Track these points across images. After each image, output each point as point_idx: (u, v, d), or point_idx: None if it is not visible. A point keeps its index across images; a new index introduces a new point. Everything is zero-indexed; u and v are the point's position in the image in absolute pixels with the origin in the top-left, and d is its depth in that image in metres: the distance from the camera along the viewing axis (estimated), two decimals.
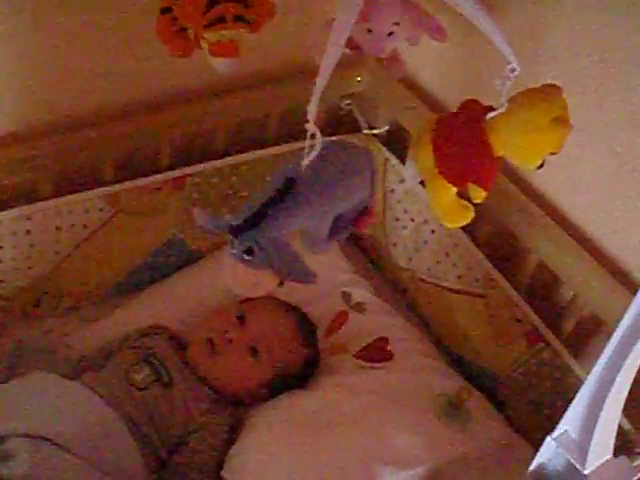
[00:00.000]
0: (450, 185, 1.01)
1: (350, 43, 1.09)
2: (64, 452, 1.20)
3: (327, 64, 0.90)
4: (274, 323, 1.47)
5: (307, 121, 0.91)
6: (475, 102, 1.05)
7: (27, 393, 1.30)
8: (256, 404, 1.43)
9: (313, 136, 0.92)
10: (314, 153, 0.93)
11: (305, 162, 0.95)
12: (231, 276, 1.00)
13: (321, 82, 0.91)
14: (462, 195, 1.06)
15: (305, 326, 1.51)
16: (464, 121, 1.01)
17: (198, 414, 1.36)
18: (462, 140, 1.00)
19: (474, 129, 0.99)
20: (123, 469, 1.26)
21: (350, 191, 1.07)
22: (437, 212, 1.04)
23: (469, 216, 1.03)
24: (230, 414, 1.41)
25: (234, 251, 0.98)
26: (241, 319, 1.44)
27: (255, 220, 0.97)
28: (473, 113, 1.02)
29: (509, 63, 0.94)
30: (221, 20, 1.02)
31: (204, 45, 1.06)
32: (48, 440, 1.20)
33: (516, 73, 0.94)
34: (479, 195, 1.02)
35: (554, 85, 0.99)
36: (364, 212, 1.12)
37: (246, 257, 0.97)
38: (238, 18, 1.03)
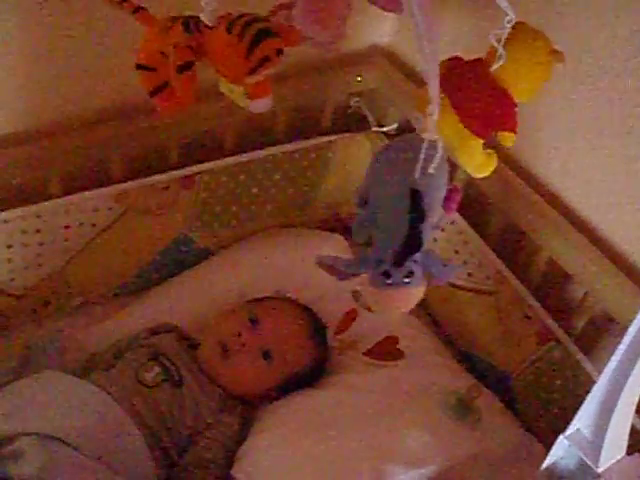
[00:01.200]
0: (478, 139, 1.02)
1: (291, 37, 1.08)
2: (74, 451, 1.20)
3: (433, 68, 0.87)
4: (287, 325, 1.47)
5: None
6: (460, 58, 1.06)
7: (37, 391, 1.30)
8: (266, 403, 1.43)
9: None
10: (437, 162, 0.92)
11: (431, 171, 0.93)
12: (388, 304, 0.99)
13: (435, 88, 0.88)
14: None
15: (317, 327, 1.51)
16: (470, 75, 1.03)
17: (208, 413, 1.36)
18: (480, 92, 1.01)
19: (485, 80, 1.01)
20: (133, 468, 1.26)
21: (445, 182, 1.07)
22: (470, 168, 1.06)
23: (496, 161, 1.06)
24: (240, 413, 1.40)
25: (390, 281, 0.96)
26: (253, 321, 1.44)
27: (415, 244, 0.96)
28: (473, 67, 1.03)
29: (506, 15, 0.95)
30: (265, 59, 0.98)
31: (235, 91, 1.03)
32: (58, 439, 1.20)
33: (512, 23, 0.95)
34: (510, 139, 1.03)
35: (523, 22, 1.01)
36: (451, 195, 1.11)
37: (406, 281, 0.96)
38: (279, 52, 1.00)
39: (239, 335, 1.41)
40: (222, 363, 1.40)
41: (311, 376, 1.48)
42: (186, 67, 1.02)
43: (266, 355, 1.41)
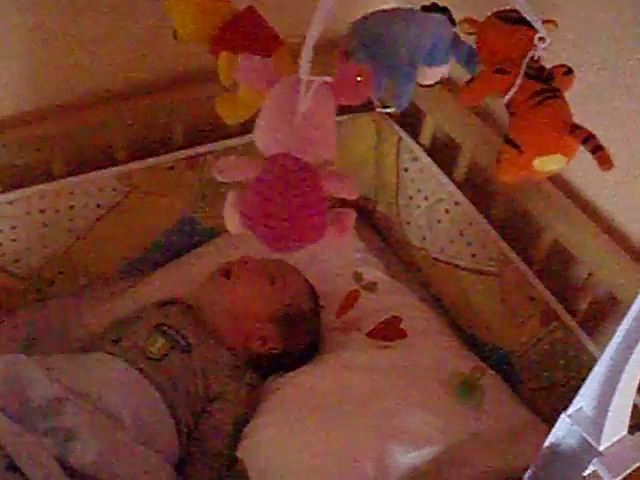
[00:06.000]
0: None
1: None
2: (123, 434, 1.21)
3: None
4: (288, 266, 1.53)
5: None
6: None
7: (79, 366, 1.32)
8: (270, 372, 1.45)
9: None
10: None
11: None
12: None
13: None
14: None
15: (313, 289, 1.56)
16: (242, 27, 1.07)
17: (216, 380, 1.37)
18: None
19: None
20: (164, 443, 1.28)
21: None
22: None
23: None
24: (249, 382, 1.42)
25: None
26: (259, 260, 1.50)
27: None
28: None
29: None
30: None
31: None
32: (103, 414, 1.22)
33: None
34: None
35: None
36: None
37: None
38: None
39: (245, 262, 1.48)
40: (225, 288, 1.46)
41: (308, 338, 1.51)
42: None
43: (270, 279, 1.46)
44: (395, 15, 1.13)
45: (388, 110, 1.70)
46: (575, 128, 0.94)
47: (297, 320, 1.48)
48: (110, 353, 1.34)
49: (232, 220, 0.91)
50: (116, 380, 1.29)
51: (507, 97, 0.96)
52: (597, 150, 0.94)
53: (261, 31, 1.06)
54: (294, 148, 0.86)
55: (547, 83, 0.97)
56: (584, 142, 0.94)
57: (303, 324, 1.49)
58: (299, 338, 1.49)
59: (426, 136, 1.68)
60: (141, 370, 1.31)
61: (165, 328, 1.40)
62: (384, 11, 1.17)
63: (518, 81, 0.95)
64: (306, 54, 0.81)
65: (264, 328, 1.45)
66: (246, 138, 1.62)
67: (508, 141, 0.97)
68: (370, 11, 1.16)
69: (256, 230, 0.89)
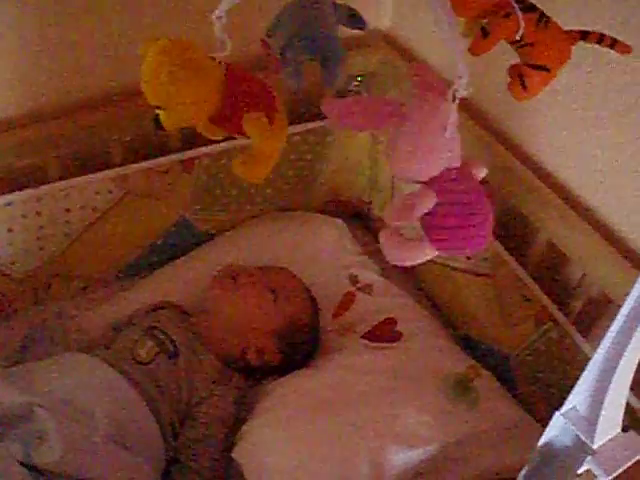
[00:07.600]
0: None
1: None
2: (94, 434, 1.21)
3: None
4: (292, 279, 1.54)
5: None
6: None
7: (53, 370, 1.31)
8: (264, 380, 1.45)
9: None
10: None
11: None
12: None
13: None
14: None
15: (313, 296, 1.56)
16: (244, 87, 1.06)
17: (201, 385, 1.37)
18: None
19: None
20: (143, 443, 1.27)
21: None
22: None
23: None
24: (235, 385, 1.42)
25: None
26: (263, 269, 1.52)
27: None
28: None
29: None
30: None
31: None
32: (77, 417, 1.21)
33: None
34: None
35: None
36: None
37: None
38: None
39: (251, 274, 1.49)
40: (229, 294, 1.47)
41: (305, 352, 1.50)
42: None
43: (273, 293, 1.47)
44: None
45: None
46: (585, 34, 1.00)
47: (296, 335, 1.48)
48: (95, 355, 1.34)
49: (418, 252, 0.92)
50: (92, 381, 1.29)
51: (519, 34, 0.99)
52: (614, 43, 0.99)
53: (254, 85, 1.06)
54: (451, 159, 0.90)
55: (534, 10, 1.01)
56: (599, 42, 0.99)
57: (302, 338, 1.50)
58: (296, 351, 1.49)
59: None
60: (126, 373, 1.31)
61: (155, 331, 1.40)
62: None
63: (521, 17, 0.97)
64: (462, 72, 0.85)
65: (263, 341, 1.46)
66: (242, 141, 1.61)
67: (535, 67, 1.00)
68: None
69: (456, 246, 0.92)
